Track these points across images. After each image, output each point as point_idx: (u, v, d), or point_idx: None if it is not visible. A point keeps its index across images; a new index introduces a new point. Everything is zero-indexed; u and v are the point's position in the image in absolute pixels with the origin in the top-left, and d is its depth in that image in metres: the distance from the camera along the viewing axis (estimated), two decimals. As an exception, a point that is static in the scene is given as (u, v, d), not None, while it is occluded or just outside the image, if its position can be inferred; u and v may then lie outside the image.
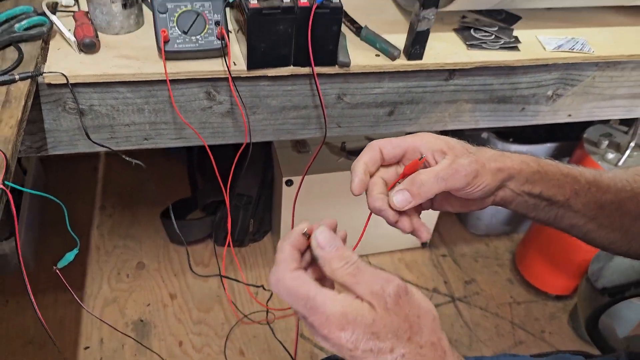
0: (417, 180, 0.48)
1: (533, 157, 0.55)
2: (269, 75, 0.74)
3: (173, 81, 0.71)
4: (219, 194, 1.42)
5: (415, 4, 0.73)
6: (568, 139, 1.34)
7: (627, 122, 1.28)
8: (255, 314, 1.37)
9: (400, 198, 0.48)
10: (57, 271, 0.65)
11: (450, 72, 0.82)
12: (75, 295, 0.77)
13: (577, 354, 0.71)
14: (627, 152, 1.12)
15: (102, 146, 0.77)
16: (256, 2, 0.66)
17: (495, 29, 0.86)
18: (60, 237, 1.30)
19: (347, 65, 0.74)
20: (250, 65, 0.72)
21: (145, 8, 0.79)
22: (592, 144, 1.20)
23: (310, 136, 0.86)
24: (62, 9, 0.78)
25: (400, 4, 0.88)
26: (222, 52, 0.71)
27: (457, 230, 1.66)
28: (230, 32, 0.78)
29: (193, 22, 0.71)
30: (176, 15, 0.70)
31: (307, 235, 0.43)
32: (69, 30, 0.73)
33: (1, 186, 0.50)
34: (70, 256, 0.65)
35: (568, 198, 0.55)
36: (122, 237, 1.53)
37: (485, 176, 0.50)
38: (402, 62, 0.77)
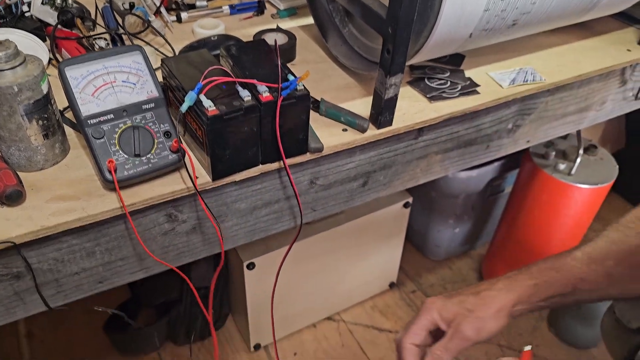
0: (435, 355, 0.58)
1: (526, 270, 0.64)
2: (237, 180, 0.64)
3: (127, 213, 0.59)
4: (168, 291, 1.27)
5: (378, 72, 0.67)
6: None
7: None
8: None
9: None
10: None
11: (419, 130, 0.77)
12: None
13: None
14: (578, 160, 1.14)
15: (48, 307, 0.63)
16: (214, 107, 0.57)
17: (447, 74, 0.83)
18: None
19: (320, 150, 0.67)
20: (216, 176, 0.62)
21: (68, 128, 0.67)
22: (539, 156, 1.21)
23: (285, 228, 0.76)
24: (-39, 151, 0.63)
25: (346, 65, 0.82)
26: (184, 165, 0.61)
27: (418, 261, 1.63)
28: (176, 136, 0.67)
29: (138, 141, 0.59)
30: (116, 136, 0.59)
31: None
32: (-22, 177, 0.59)
33: None
34: None
35: (576, 286, 0.62)
36: (64, 364, 1.33)
37: (489, 325, 0.60)
38: (372, 133, 0.71)
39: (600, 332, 0.79)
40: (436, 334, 0.63)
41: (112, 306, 1.40)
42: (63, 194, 0.59)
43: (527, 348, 0.55)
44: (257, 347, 1.36)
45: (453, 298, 0.63)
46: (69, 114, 0.69)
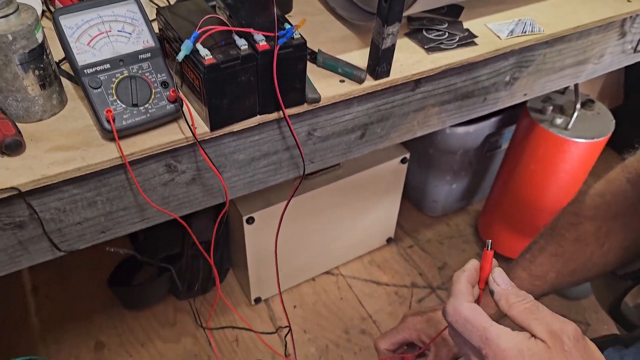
0: None
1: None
2: (235, 130, 0.64)
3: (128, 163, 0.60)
4: (170, 247, 1.29)
5: (375, 21, 0.66)
6: (509, 107, 1.35)
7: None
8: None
9: None
10: None
11: (417, 82, 0.77)
12: None
13: (611, 340, 0.70)
14: (575, 115, 1.14)
15: (56, 247, 0.64)
16: (211, 56, 0.57)
17: (445, 25, 0.82)
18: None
19: (318, 100, 0.67)
20: (214, 126, 0.62)
21: (65, 81, 0.67)
22: (537, 111, 1.21)
23: (283, 180, 0.77)
24: (-42, 102, 0.63)
25: (343, 16, 0.81)
26: (182, 115, 0.61)
27: (416, 217, 1.65)
28: (173, 88, 0.67)
29: (136, 90, 0.60)
30: (113, 86, 0.59)
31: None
32: (-23, 128, 0.59)
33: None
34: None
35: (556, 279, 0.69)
36: (68, 317, 1.36)
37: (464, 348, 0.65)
38: (370, 84, 0.71)
39: (589, 283, 0.82)
40: (410, 344, 0.72)
41: (114, 263, 1.43)
42: (62, 144, 0.59)
43: (489, 248, 0.50)
44: (258, 300, 1.39)
45: (430, 322, 0.69)
46: (65, 66, 0.69)
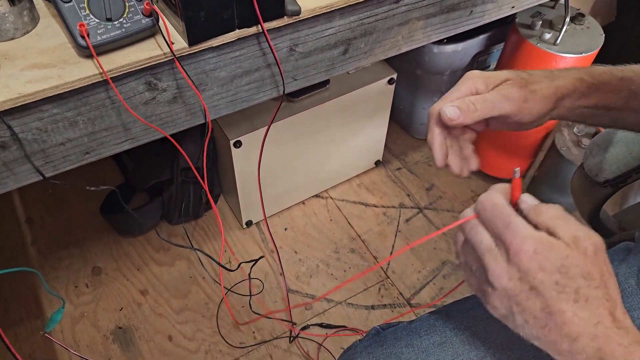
0: (467, 100, 0.52)
1: (587, 70, 0.57)
2: (214, 45, 0.63)
3: (106, 81, 0.59)
4: (159, 173, 1.30)
5: None
6: (497, 25, 1.32)
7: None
8: (238, 284, 1.32)
9: (451, 110, 0.52)
10: (47, 336, 0.55)
11: (400, -7, 0.75)
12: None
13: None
14: (564, 29, 1.12)
15: (40, 173, 0.65)
16: (184, -36, 0.54)
17: None
18: None
19: (298, 13, 0.65)
20: (192, 40, 0.61)
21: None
22: (526, 27, 1.19)
23: (267, 98, 0.77)
24: None
25: None
26: (158, 30, 0.60)
27: (404, 140, 1.66)
28: (148, 3, 0.65)
29: (109, 4, 0.58)
30: (85, 0, 0.57)
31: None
32: (-52, 48, 0.58)
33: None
34: (56, 317, 0.55)
35: (627, 101, 0.56)
36: (64, 246, 1.39)
37: (535, 102, 0.52)
38: (351, -6, 0.69)
39: (570, 191, 0.84)
40: None
41: (105, 192, 1.44)
42: (38, 62, 0.58)
43: (517, 175, 0.46)
44: (249, 223, 1.42)
45: (490, 75, 0.55)
46: (34, -18, 0.66)
